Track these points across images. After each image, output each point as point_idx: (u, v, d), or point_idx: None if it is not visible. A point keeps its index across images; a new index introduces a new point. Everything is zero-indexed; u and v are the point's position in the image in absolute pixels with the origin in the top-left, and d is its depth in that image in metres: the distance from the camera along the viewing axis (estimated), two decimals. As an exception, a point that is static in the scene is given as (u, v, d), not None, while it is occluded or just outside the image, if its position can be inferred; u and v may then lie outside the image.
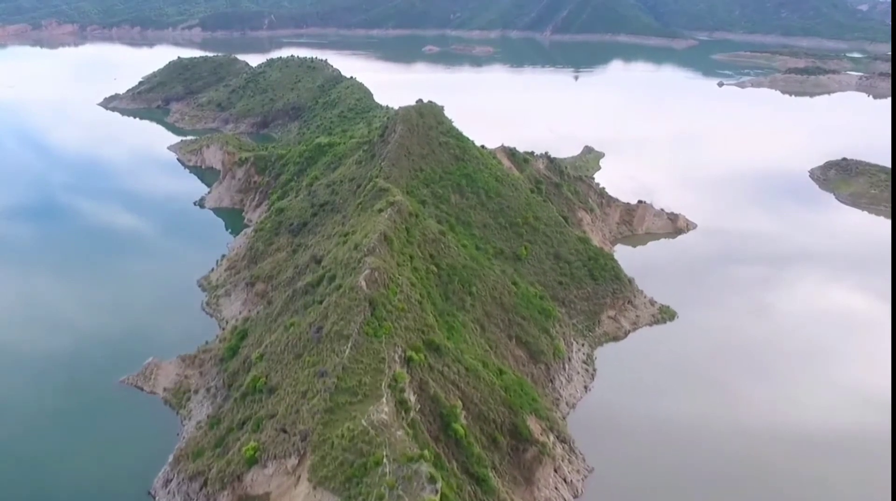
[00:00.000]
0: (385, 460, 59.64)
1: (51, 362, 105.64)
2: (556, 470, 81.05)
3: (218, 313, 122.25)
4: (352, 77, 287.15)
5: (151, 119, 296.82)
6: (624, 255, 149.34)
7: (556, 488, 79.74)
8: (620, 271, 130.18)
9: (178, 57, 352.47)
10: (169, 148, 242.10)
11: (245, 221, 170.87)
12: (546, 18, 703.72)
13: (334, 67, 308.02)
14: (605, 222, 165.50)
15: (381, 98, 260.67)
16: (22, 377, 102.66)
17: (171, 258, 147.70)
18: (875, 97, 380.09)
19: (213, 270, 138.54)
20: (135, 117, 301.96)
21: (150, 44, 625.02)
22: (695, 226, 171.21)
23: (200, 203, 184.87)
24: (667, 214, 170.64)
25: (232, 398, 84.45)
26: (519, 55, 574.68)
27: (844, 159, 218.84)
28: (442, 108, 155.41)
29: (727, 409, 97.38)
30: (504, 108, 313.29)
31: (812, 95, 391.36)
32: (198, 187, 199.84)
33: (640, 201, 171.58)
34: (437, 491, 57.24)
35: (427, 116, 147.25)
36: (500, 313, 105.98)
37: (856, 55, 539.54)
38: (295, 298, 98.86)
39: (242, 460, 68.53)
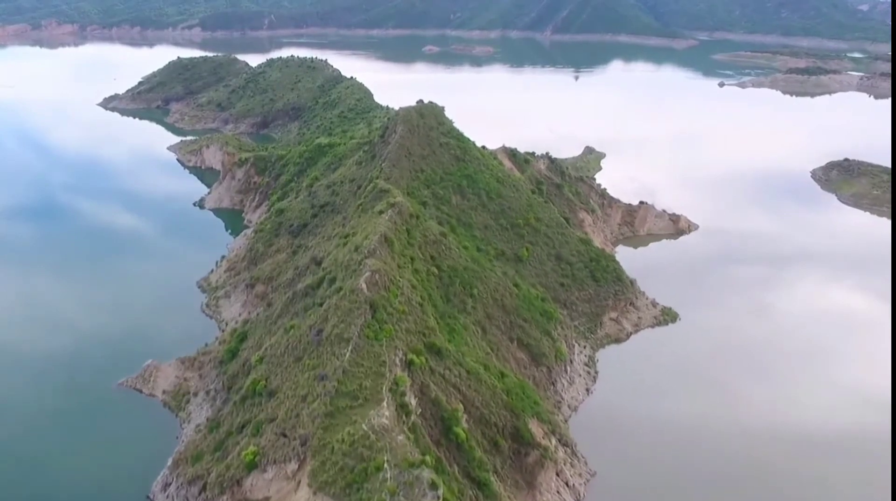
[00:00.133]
0: (386, 465, 59.01)
1: (50, 363, 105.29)
2: (558, 474, 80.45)
3: (217, 314, 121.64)
4: (352, 77, 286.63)
5: (151, 119, 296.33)
6: (625, 256, 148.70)
7: (558, 492, 79.13)
8: (622, 273, 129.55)
9: (178, 57, 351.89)
10: (169, 148, 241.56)
11: (245, 221, 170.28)
12: (546, 18, 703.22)
13: (334, 67, 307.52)
14: (606, 222, 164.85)
15: (381, 98, 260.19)
16: (21, 378, 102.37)
17: (171, 259, 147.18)
18: (876, 97, 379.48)
19: (212, 271, 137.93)
20: (134, 117, 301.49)
21: (150, 44, 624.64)
22: (696, 227, 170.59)
23: (200, 204, 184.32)
24: (668, 215, 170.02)
25: (231, 401, 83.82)
26: (519, 55, 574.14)
27: (846, 160, 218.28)
28: (442, 108, 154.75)
29: (730, 411, 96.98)
30: (504, 108, 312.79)
31: (813, 95, 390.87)
32: (197, 188, 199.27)
33: (641, 202, 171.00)
34: (438, 497, 56.65)
35: (428, 117, 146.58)
36: (501, 315, 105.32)
37: (856, 55, 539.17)
38: (295, 300, 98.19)
39: (242, 464, 67.91)
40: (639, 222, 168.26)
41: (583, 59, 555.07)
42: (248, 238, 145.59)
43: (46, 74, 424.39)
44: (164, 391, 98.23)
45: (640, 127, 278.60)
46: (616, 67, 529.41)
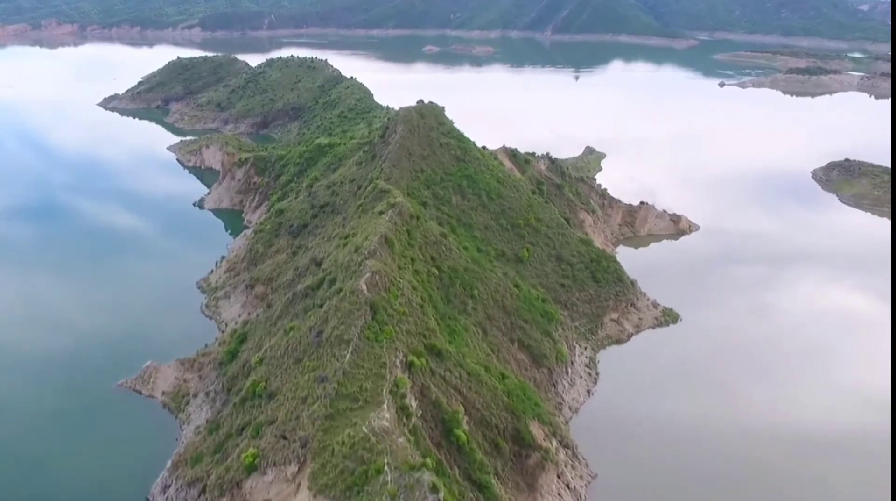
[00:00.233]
0: (386, 468, 58.66)
1: (49, 363, 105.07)
2: (559, 476, 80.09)
3: (217, 315, 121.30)
4: (352, 77, 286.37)
5: (151, 119, 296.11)
6: (626, 257, 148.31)
7: (559, 494, 78.78)
8: (623, 274, 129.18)
9: (178, 57, 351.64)
10: (168, 148, 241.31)
11: (245, 222, 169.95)
12: (546, 18, 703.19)
13: (334, 67, 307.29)
14: (607, 223, 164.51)
15: (381, 98, 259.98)
16: (20, 378, 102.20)
17: (171, 259, 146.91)
18: (877, 97, 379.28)
19: (212, 271, 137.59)
20: (134, 117, 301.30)
21: (150, 44, 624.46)
22: (697, 227, 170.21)
23: (200, 204, 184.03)
24: (669, 215, 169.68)
25: (231, 402, 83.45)
26: (519, 55, 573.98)
27: (847, 160, 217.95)
28: (443, 108, 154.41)
29: (731, 412, 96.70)
30: (504, 108, 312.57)
31: (813, 95, 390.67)
32: (197, 188, 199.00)
33: (642, 203, 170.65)
34: (439, 500, 56.26)
35: (428, 117, 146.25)
36: (502, 316, 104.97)
37: (857, 55, 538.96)
38: (295, 301, 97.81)
39: (242, 466, 67.52)
40: (639, 223, 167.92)
41: (583, 59, 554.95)
42: (247, 239, 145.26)
43: (46, 74, 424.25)
44: (163, 393, 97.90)
45: (640, 127, 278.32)
46: (616, 66, 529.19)
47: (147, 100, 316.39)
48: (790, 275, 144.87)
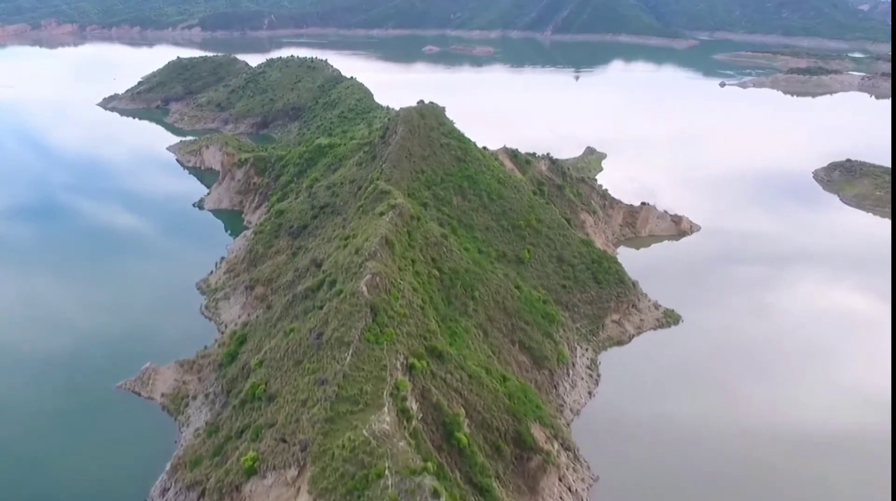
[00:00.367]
0: (387, 472, 58.10)
1: (49, 364, 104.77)
2: (560, 479, 79.60)
3: (217, 316, 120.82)
4: (352, 77, 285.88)
5: (150, 119, 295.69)
6: (627, 257, 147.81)
7: (560, 497, 78.30)
8: (624, 275, 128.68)
9: (178, 57, 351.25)
10: (168, 148, 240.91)
11: (244, 222, 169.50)
12: (546, 18, 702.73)
13: (334, 67, 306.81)
14: (608, 224, 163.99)
15: (381, 98, 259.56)
16: (20, 379, 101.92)
17: (170, 260, 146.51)
18: (877, 97, 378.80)
19: (212, 272, 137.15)
20: (134, 118, 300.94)
21: (150, 44, 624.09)
22: (698, 228, 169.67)
23: (199, 204, 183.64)
24: (670, 215, 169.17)
25: (231, 405, 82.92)
26: (519, 55, 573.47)
27: (849, 160, 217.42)
28: (443, 109, 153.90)
29: (733, 414, 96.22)
30: (505, 108, 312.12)
31: (814, 95, 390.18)
32: (197, 188, 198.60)
33: (643, 203, 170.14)
34: (440, 505, 55.81)
35: (428, 117, 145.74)
36: (503, 317, 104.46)
37: (857, 55, 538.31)
38: (295, 302, 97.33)
39: (241, 470, 66.92)
40: (640, 223, 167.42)
41: (583, 59, 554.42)
42: (247, 239, 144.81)
43: (46, 74, 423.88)
44: (162, 394, 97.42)
45: (641, 127, 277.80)
46: (616, 66, 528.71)
47: (147, 100, 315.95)
48: (791, 276, 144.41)
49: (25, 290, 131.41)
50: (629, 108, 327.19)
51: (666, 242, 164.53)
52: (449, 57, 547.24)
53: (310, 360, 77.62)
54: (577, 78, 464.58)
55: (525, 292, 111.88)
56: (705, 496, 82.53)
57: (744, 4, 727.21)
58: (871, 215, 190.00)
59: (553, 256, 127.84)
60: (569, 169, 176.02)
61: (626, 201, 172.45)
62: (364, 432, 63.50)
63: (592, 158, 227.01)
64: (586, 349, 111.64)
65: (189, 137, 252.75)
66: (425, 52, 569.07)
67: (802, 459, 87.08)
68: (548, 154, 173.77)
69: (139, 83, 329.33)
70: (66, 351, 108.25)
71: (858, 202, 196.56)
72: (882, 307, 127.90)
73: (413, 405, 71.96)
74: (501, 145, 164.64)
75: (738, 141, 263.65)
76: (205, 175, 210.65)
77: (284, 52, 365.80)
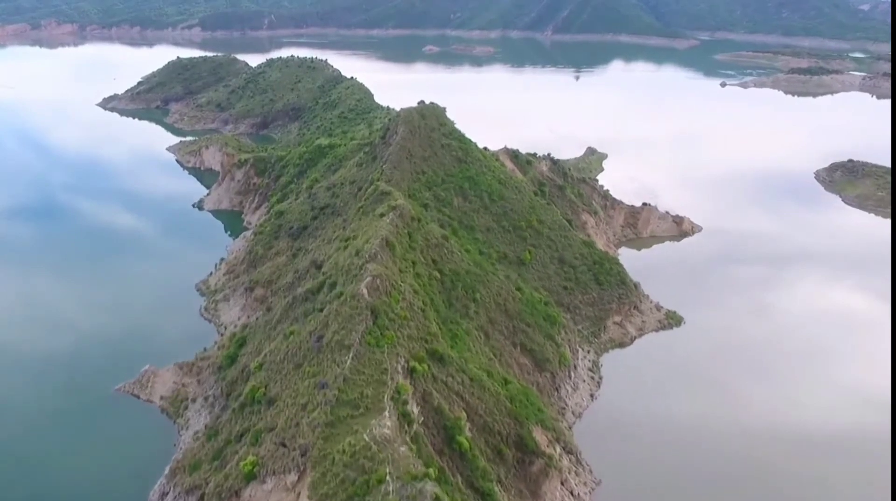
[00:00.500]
0: (388, 477, 57.45)
1: (48, 364, 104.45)
2: (562, 483, 78.91)
3: (216, 318, 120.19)
4: (352, 77, 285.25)
5: (150, 120, 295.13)
6: (628, 258, 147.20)
7: (563, 501, 77.63)
8: (626, 276, 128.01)
9: (178, 57, 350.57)
10: (168, 149, 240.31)
11: (244, 223, 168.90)
12: (546, 18, 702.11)
13: (334, 67, 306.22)
14: (609, 224, 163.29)
15: (381, 99, 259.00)
16: (19, 380, 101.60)
17: (170, 261, 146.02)
18: (878, 97, 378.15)
19: (211, 273, 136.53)
20: (134, 118, 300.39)
21: (150, 44, 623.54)
22: (700, 229, 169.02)
23: (199, 205, 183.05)
24: (672, 216, 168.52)
25: (230, 408, 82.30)
26: (519, 55, 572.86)
27: (850, 161, 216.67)
28: (444, 109, 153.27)
29: (736, 416, 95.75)
30: (505, 108, 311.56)
31: (815, 95, 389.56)
32: (197, 189, 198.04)
33: (644, 204, 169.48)
34: (442, 511, 55.17)
35: (429, 118, 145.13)
36: (504, 319, 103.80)
37: (858, 55, 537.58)
38: (295, 305, 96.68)
39: (241, 474, 66.34)
40: (642, 224, 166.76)
41: (583, 59, 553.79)
42: (247, 240, 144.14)
43: (46, 74, 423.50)
44: (161, 397, 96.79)
45: (641, 127, 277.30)
46: (617, 66, 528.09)
47: (147, 100, 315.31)
48: (793, 276, 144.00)
49: (25, 290, 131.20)
50: (630, 108, 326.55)
51: (667, 242, 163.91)
52: (449, 57, 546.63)
53: (310, 363, 77.02)
54: (577, 78, 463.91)
55: (526, 294, 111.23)
56: (708, 499, 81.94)
57: (744, 4, 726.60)
58: (872, 215, 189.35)
59: (554, 257, 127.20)
60: (570, 170, 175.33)
61: (627, 201, 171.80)
62: (365, 436, 62.87)
63: (593, 159, 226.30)
64: (588, 351, 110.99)
65: (189, 138, 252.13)
66: (425, 52, 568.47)
67: (803, 459, 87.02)
68: (549, 155, 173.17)
69: (139, 83, 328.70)
70: (65, 352, 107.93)
71: (860, 203, 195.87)
72: (882, 307, 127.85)
73: (414, 408, 71.32)
74: (502, 146, 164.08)
75: (740, 141, 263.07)
76: (204, 176, 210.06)
77: (284, 53, 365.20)
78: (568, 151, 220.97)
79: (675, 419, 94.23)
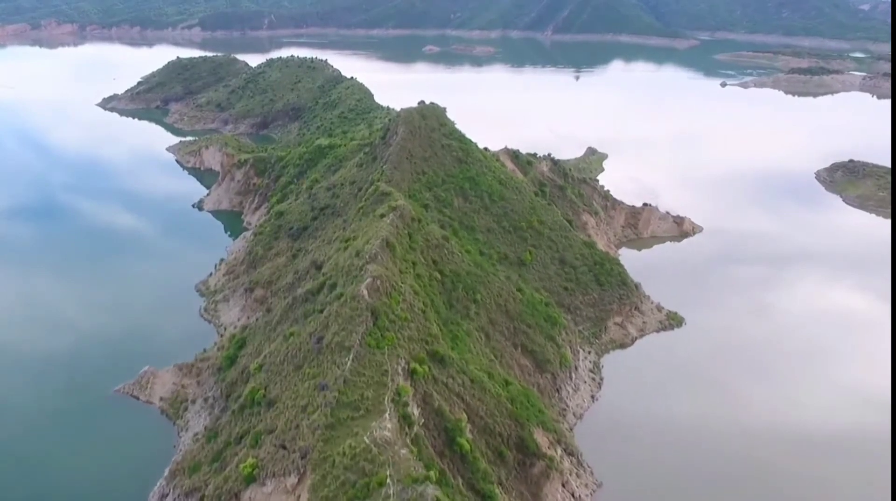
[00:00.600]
0: (389, 480, 57.08)
1: (48, 365, 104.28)
2: (563, 485, 78.59)
3: (216, 319, 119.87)
4: (352, 77, 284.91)
5: (150, 120, 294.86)
6: (629, 259, 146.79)
7: (564, 504, 77.28)
8: (627, 277, 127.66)
9: (178, 57, 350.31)
10: (168, 149, 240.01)
11: (244, 223, 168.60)
12: (547, 18, 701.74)
13: (334, 67, 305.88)
14: (609, 225, 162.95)
15: (381, 99, 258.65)
16: (19, 380, 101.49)
17: (170, 261, 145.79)
18: (879, 97, 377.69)
19: (211, 274, 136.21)
20: (134, 118, 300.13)
21: (150, 44, 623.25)
22: (701, 229, 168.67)
23: (199, 205, 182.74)
24: (672, 217, 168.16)
25: (230, 409, 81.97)
26: (520, 55, 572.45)
27: (851, 161, 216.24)
28: (444, 109, 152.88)
29: (739, 418, 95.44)
30: (505, 108, 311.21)
31: (815, 95, 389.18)
32: (196, 189, 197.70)
33: (645, 204, 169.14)
34: (442, 514, 54.84)
35: (429, 118, 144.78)
36: (505, 320, 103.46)
37: (859, 55, 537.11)
38: (295, 306, 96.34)
39: (240, 477, 65.98)
40: (643, 225, 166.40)
41: (584, 59, 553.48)
42: (247, 241, 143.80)
43: (46, 74, 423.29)
44: (161, 398, 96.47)
45: (642, 127, 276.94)
46: (617, 66, 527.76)
47: (146, 100, 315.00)
48: (794, 277, 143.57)
49: (25, 290, 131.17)
50: (630, 108, 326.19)
51: (668, 243, 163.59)
52: (449, 57, 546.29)
53: (310, 365, 76.69)
54: (577, 78, 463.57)
55: (527, 295, 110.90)
56: (709, 500, 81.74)
57: (745, 4, 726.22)
58: (874, 215, 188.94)
59: (555, 258, 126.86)
60: (570, 170, 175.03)
61: (627, 201, 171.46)
62: (365, 439, 62.53)
63: (594, 159, 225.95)
64: (589, 352, 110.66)
65: (189, 138, 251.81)
66: (425, 52, 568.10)
67: (803, 459, 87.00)
68: (549, 155, 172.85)
69: (139, 83, 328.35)
70: (65, 352, 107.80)
71: (861, 203, 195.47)
72: (882, 307, 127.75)
73: (414, 410, 70.98)
74: (502, 146, 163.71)
75: (740, 141, 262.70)
76: (204, 176, 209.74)
77: (284, 52, 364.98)
78: (568, 151, 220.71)
79: (676, 420, 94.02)
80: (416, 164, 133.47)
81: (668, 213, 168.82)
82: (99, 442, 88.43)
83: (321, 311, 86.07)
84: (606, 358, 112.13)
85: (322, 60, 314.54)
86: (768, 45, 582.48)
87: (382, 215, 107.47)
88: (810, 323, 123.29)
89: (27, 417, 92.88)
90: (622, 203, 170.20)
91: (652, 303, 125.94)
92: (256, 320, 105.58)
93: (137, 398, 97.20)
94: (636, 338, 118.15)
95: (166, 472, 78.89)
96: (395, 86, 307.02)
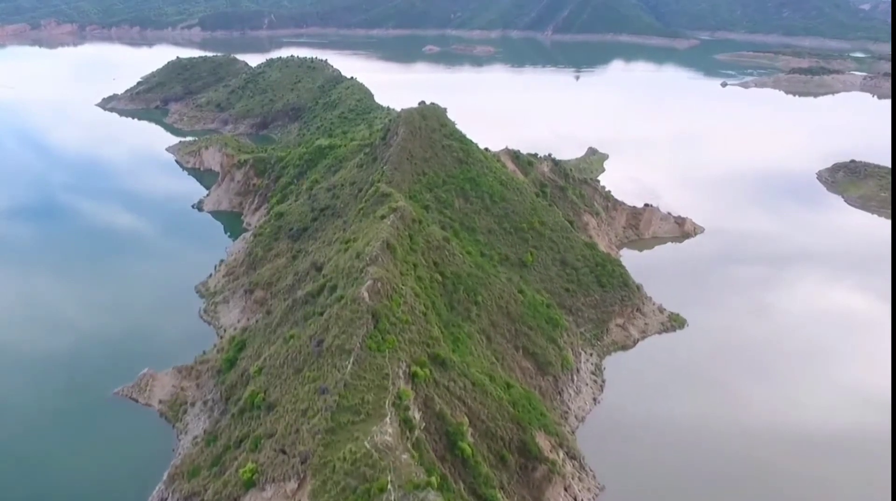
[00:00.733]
0: (390, 486, 56.46)
1: (48, 365, 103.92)
2: (566, 489, 78.01)
3: (216, 320, 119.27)
4: (352, 77, 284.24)
5: (150, 120, 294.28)
6: (631, 260, 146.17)
7: (566, 508, 76.69)
8: (628, 278, 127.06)
9: (178, 57, 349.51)
10: (167, 149, 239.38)
11: (244, 224, 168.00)
12: (547, 18, 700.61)
13: (334, 67, 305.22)
14: (611, 226, 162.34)
15: (381, 99, 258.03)
16: (19, 381, 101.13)
17: (169, 262, 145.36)
18: (880, 97, 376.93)
19: (211, 275, 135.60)
20: (133, 118, 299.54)
21: (150, 44, 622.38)
22: (702, 230, 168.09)
23: (199, 206, 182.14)
24: (674, 217, 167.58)
25: (229, 413, 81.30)
26: (520, 55, 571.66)
27: (853, 161, 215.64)
28: (445, 110, 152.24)
29: (740, 420, 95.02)
30: (505, 108, 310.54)
31: (816, 95, 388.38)
32: (196, 189, 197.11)
33: (646, 205, 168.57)
34: (444, 520, 54.21)
35: (430, 119, 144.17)
36: (506, 322, 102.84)
37: (859, 55, 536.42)
38: (295, 308, 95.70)
39: (240, 482, 65.37)
40: (644, 225, 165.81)
41: (584, 59, 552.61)
42: (246, 242, 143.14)
43: (45, 74, 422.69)
44: (160, 401, 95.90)
45: (642, 127, 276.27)
46: (617, 66, 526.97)
47: (146, 100, 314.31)
48: (795, 277, 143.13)
49: (25, 290, 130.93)
50: (631, 108, 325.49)
51: (669, 244, 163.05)
52: (449, 57, 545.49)
53: (310, 368, 76.05)
54: (577, 78, 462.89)
55: (528, 297, 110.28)
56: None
57: (745, 4, 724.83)
58: (875, 216, 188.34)
59: (556, 259, 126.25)
60: (571, 170, 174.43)
61: (628, 201, 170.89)
62: (366, 443, 61.89)
63: (594, 159, 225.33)
64: (591, 355, 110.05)
65: (188, 138, 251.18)
66: (425, 52, 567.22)
67: (804, 459, 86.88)
68: (550, 155, 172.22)
69: (138, 83, 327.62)
70: (65, 353, 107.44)
71: (863, 204, 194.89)
72: (882, 307, 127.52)
73: (416, 414, 70.33)
74: (503, 146, 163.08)
75: (741, 141, 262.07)
76: (204, 176, 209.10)
77: (284, 52, 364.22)
78: (569, 151, 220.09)
79: (678, 422, 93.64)
80: (416, 164, 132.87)
81: (669, 213, 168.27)
82: (98, 444, 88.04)
83: (321, 313, 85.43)
84: (608, 360, 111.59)
85: (322, 60, 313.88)
86: (769, 45, 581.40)
87: (383, 217, 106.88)
88: (811, 323, 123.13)
89: (27, 417, 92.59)
90: (623, 204, 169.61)
91: (654, 304, 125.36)
92: (256, 322, 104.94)
93: (136, 401, 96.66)
94: (638, 340, 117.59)
95: (165, 476, 78.21)
96: (395, 86, 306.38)
